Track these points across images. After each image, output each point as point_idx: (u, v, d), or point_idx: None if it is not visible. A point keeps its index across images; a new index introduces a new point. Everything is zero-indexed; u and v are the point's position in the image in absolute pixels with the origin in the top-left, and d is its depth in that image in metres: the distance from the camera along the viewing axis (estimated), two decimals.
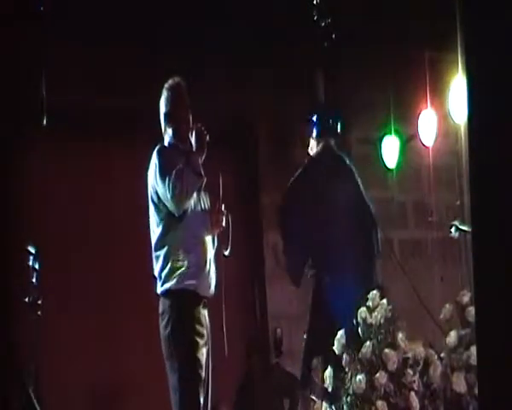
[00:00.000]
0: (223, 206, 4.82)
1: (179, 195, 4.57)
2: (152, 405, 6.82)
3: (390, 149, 7.37)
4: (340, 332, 5.62)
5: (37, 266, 5.46)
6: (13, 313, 6.28)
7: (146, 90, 7.02)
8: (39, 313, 5.42)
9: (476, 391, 5.15)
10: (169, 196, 4.59)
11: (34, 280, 5.45)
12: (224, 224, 4.79)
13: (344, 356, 5.46)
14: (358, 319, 5.52)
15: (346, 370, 5.43)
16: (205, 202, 4.85)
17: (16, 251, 6.08)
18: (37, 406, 5.29)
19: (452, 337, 5.67)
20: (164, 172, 4.63)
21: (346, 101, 8.21)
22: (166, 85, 4.92)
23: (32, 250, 5.51)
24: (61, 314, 6.50)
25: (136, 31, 6.90)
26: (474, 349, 5.37)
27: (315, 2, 6.92)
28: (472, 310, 5.50)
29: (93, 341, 6.80)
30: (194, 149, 4.72)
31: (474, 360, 5.37)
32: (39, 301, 5.42)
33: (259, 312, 7.79)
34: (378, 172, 7.63)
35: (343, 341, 5.55)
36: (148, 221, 4.88)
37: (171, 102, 4.85)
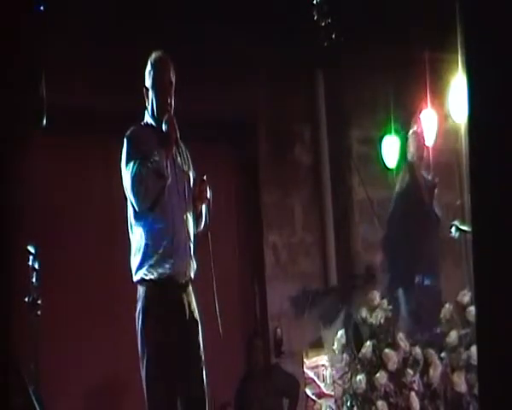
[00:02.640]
0: (204, 176, 4.69)
1: (138, 196, 4.48)
2: None
3: (390, 149, 7.36)
4: (340, 332, 5.62)
5: (37, 266, 5.46)
6: (13, 313, 6.28)
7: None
8: (39, 313, 5.41)
9: (476, 391, 5.15)
10: (130, 192, 4.51)
11: (34, 280, 5.44)
12: (208, 196, 4.66)
13: (344, 356, 5.46)
14: (358, 319, 5.53)
15: (346, 370, 5.44)
16: (183, 180, 4.67)
17: (16, 251, 6.07)
18: (37, 406, 5.28)
19: (452, 337, 5.68)
20: (126, 163, 4.53)
21: (346, 101, 8.22)
22: (150, 59, 4.81)
23: (32, 250, 5.50)
24: (61, 314, 6.50)
25: (136, 30, 6.90)
26: (474, 349, 5.37)
27: (315, 2, 6.92)
28: (472, 310, 5.51)
29: (93, 341, 6.79)
30: (163, 143, 4.57)
31: (474, 360, 5.38)
32: (39, 301, 5.41)
33: (259, 312, 7.79)
34: (378, 172, 7.63)
35: (343, 341, 5.55)
36: None
37: (150, 76, 4.75)
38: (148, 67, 4.79)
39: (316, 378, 5.97)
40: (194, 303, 4.66)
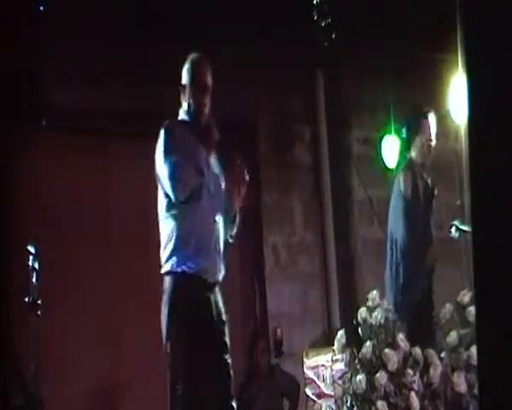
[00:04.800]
0: (246, 176, 4.74)
1: (177, 186, 4.52)
2: (152, 405, 6.82)
3: (390, 149, 7.36)
4: (340, 332, 5.62)
5: (37, 266, 5.46)
6: (13, 313, 6.28)
7: (146, 91, 7.05)
8: (39, 313, 5.41)
9: (476, 391, 5.15)
10: (168, 181, 4.53)
11: (34, 280, 5.44)
12: (246, 179, 4.71)
13: (344, 356, 5.46)
14: (358, 319, 5.52)
15: (346, 370, 5.44)
16: (216, 182, 4.73)
17: (16, 251, 6.08)
18: (37, 406, 5.29)
19: (452, 337, 5.67)
20: (166, 153, 4.56)
21: (346, 101, 8.22)
22: (189, 58, 4.85)
23: (32, 250, 5.50)
24: (61, 314, 6.50)
25: (136, 31, 6.90)
26: (474, 349, 5.37)
27: (315, 2, 6.92)
28: (472, 310, 5.51)
29: (93, 341, 6.79)
30: (203, 143, 4.65)
31: (474, 360, 5.37)
32: (39, 301, 5.41)
33: (259, 312, 7.79)
34: (378, 172, 7.63)
35: (343, 341, 5.55)
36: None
37: (188, 75, 4.79)
38: (187, 66, 4.82)
39: (316, 378, 5.96)
40: (222, 305, 4.67)
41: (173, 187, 4.52)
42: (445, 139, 7.24)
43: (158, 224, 4.65)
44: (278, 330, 7.56)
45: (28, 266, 5.47)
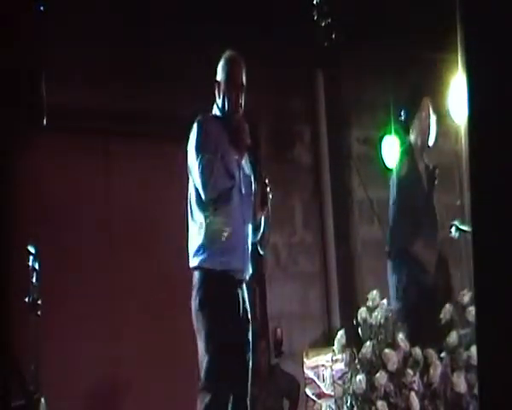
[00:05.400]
0: (268, 188, 4.77)
1: (207, 185, 4.52)
2: (152, 405, 6.82)
3: (390, 149, 7.35)
4: (340, 332, 5.62)
5: (37, 266, 5.46)
6: (13, 313, 6.28)
7: (146, 91, 7.05)
8: (39, 313, 5.41)
9: (476, 391, 5.15)
10: (198, 177, 4.55)
11: (34, 280, 5.44)
12: (268, 206, 4.75)
13: (344, 356, 5.46)
14: (358, 319, 5.52)
15: (346, 370, 5.44)
16: (246, 183, 4.76)
17: (16, 251, 6.07)
18: (37, 406, 5.28)
19: (452, 337, 5.68)
20: (199, 149, 4.58)
21: (346, 101, 8.22)
22: (224, 56, 4.89)
23: (32, 250, 5.50)
24: (61, 314, 6.50)
25: (136, 31, 6.90)
26: (474, 349, 5.37)
27: (315, 2, 6.92)
28: (472, 310, 5.51)
29: (93, 341, 6.79)
30: (235, 145, 4.67)
31: (474, 360, 5.38)
32: (39, 301, 5.41)
33: (259, 312, 7.78)
34: (378, 172, 7.62)
35: (343, 341, 5.55)
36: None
37: (223, 72, 4.82)
38: (222, 63, 4.86)
39: (316, 378, 5.96)
40: (248, 303, 4.71)
41: (203, 185, 4.53)
42: (445, 139, 7.24)
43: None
44: (278, 330, 7.56)
45: (28, 266, 5.46)
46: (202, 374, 4.53)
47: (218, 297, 4.55)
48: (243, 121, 4.74)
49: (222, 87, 4.80)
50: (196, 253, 4.61)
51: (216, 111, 4.84)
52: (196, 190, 4.62)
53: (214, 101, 4.85)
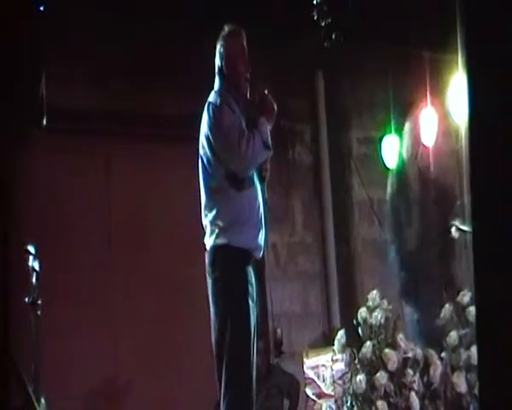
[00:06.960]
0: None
1: (248, 161, 4.47)
2: (152, 405, 6.82)
3: (390, 149, 7.36)
4: (340, 332, 5.63)
5: (37, 266, 5.46)
6: (13, 313, 6.28)
7: (146, 90, 7.05)
8: (39, 313, 5.41)
9: (476, 391, 5.15)
10: (234, 157, 4.48)
11: (34, 280, 5.44)
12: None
13: (344, 356, 5.46)
14: (358, 319, 5.53)
15: (346, 370, 5.44)
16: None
17: (16, 251, 6.07)
18: (37, 406, 5.28)
19: (452, 337, 5.68)
20: (226, 129, 4.49)
21: (346, 101, 8.22)
22: (224, 29, 4.80)
23: (32, 250, 5.50)
24: (61, 314, 6.50)
25: (136, 30, 6.90)
26: (474, 349, 5.37)
27: (315, 2, 6.92)
28: (472, 310, 5.51)
29: (93, 341, 6.79)
30: (261, 117, 4.58)
31: (474, 360, 5.38)
32: (39, 301, 5.41)
33: (259, 312, 7.77)
34: (378, 172, 7.63)
35: (343, 341, 5.55)
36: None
37: (226, 43, 4.75)
38: (224, 33, 4.77)
39: (316, 378, 5.97)
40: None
41: (244, 163, 4.47)
42: (445, 139, 7.24)
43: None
44: (278, 330, 7.55)
45: (28, 266, 5.46)
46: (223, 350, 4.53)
47: (237, 274, 4.53)
48: (262, 90, 4.68)
49: (224, 61, 4.70)
50: (217, 231, 4.53)
51: (222, 88, 4.70)
52: (211, 168, 4.53)
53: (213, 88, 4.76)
